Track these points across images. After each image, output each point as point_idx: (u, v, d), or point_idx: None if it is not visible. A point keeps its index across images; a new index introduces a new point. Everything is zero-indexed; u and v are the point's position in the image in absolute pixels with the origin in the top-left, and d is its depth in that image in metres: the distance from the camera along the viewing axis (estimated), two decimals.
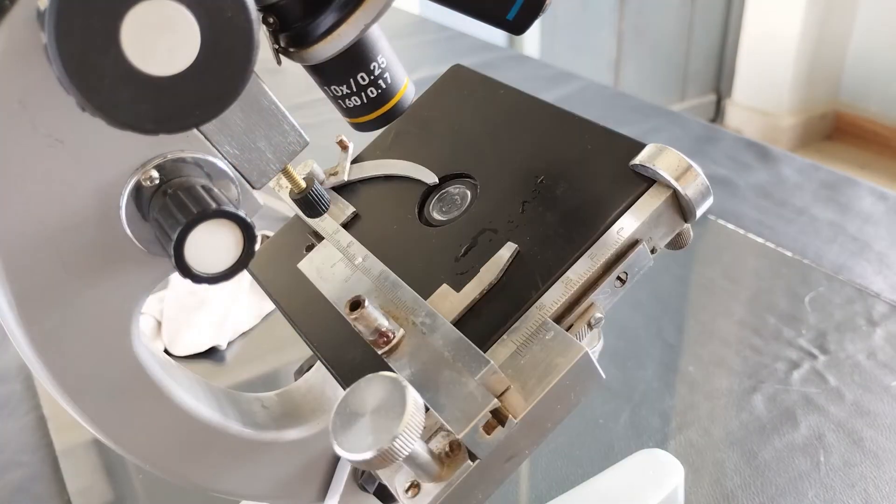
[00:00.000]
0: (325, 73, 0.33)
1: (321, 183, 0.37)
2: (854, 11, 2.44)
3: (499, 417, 0.27)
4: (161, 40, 0.20)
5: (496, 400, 0.26)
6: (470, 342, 0.28)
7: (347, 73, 0.32)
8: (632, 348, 0.59)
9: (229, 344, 0.63)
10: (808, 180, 0.83)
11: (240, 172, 0.27)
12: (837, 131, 2.63)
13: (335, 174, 0.39)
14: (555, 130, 0.35)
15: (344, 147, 0.40)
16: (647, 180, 0.30)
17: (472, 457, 0.27)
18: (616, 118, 1.00)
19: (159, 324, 0.63)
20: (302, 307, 0.35)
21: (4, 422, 0.56)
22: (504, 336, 0.29)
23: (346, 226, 0.36)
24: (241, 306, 0.65)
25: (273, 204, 0.70)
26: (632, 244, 0.29)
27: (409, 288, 0.31)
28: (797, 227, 0.75)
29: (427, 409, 0.27)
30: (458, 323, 0.30)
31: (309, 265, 0.35)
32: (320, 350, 0.33)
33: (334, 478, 0.34)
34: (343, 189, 0.39)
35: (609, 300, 0.30)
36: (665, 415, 0.53)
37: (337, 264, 0.34)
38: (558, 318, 0.29)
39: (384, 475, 0.29)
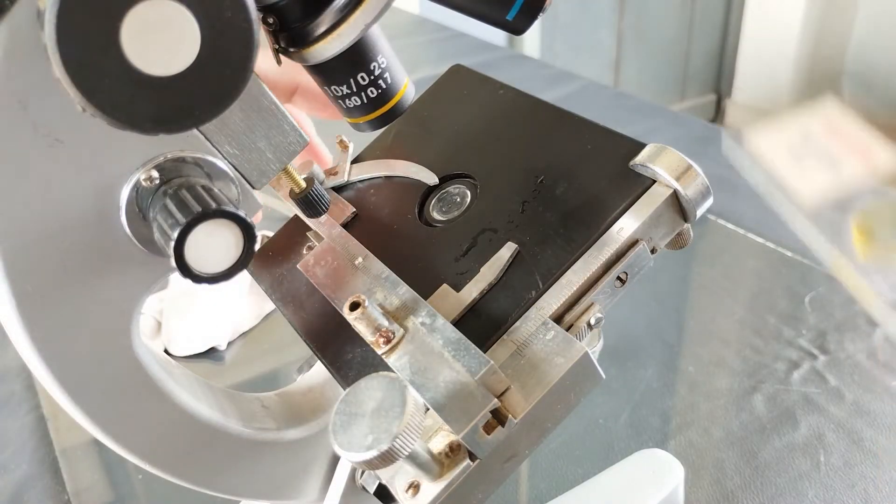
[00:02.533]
0: (325, 73, 0.33)
1: (321, 183, 0.37)
2: (854, 11, 2.44)
3: (499, 417, 0.27)
4: (161, 40, 0.20)
5: (496, 400, 0.26)
6: (470, 342, 0.28)
7: (347, 74, 0.32)
8: (632, 348, 0.59)
9: (229, 344, 0.63)
10: None
11: (240, 172, 0.27)
12: None
13: (335, 174, 0.39)
14: (555, 130, 0.35)
15: (344, 147, 0.40)
16: (648, 180, 0.30)
17: (472, 457, 0.27)
18: (616, 118, 1.00)
19: (159, 324, 0.63)
20: (302, 307, 0.35)
21: (4, 422, 0.56)
22: (504, 336, 0.29)
23: (346, 226, 0.36)
24: (241, 306, 0.65)
25: (273, 204, 0.70)
26: (632, 244, 0.29)
27: (409, 288, 0.31)
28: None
29: (427, 409, 0.27)
30: (458, 323, 0.30)
31: (309, 265, 0.35)
32: (320, 350, 0.33)
33: (334, 478, 0.34)
34: (343, 189, 0.39)
35: (609, 300, 0.30)
36: (665, 415, 0.53)
37: (337, 264, 0.34)
38: (558, 318, 0.29)
39: (384, 475, 0.29)
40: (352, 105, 0.34)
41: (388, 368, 0.29)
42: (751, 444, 0.50)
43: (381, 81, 0.33)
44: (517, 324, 0.29)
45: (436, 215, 0.35)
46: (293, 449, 0.34)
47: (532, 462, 0.50)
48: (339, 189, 0.39)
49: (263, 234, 0.54)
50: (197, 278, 0.24)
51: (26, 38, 0.22)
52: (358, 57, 0.32)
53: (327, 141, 0.42)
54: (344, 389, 0.30)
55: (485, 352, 0.27)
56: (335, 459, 0.35)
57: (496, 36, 1.78)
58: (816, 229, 0.63)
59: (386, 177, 0.38)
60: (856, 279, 0.58)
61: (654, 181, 0.30)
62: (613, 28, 2.45)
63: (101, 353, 0.27)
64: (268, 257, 0.39)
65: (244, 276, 0.57)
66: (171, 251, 0.23)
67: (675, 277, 0.69)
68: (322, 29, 0.29)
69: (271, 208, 0.71)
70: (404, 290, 0.31)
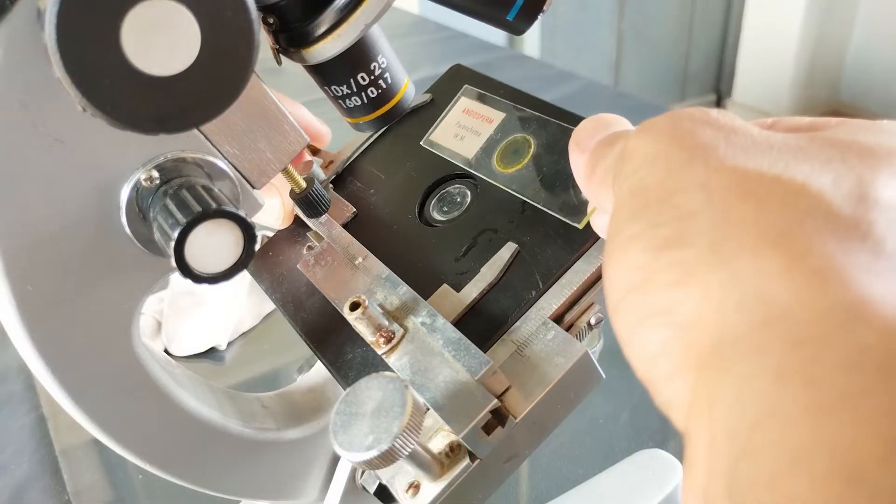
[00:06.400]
0: (326, 74, 0.33)
1: (321, 183, 0.38)
2: (854, 11, 2.44)
3: (499, 417, 0.27)
4: (161, 40, 0.20)
5: (496, 400, 0.26)
6: (470, 342, 0.28)
7: (348, 74, 0.32)
8: None
9: (229, 344, 0.63)
10: None
11: (240, 172, 0.27)
12: None
13: (331, 163, 0.40)
14: (555, 130, 0.35)
15: (315, 152, 0.41)
16: None
17: (472, 457, 0.27)
18: None
19: (159, 324, 0.63)
20: (302, 307, 0.35)
21: (4, 422, 0.56)
22: (504, 336, 0.29)
23: (346, 226, 0.36)
24: (241, 306, 0.65)
25: None
26: None
27: (409, 288, 0.31)
28: None
29: (427, 409, 0.27)
30: (458, 323, 0.30)
31: (309, 265, 0.35)
32: (320, 350, 0.33)
33: (334, 478, 0.34)
34: (343, 189, 0.39)
35: None
36: (665, 415, 0.53)
37: (337, 264, 0.34)
38: (558, 318, 0.29)
39: (384, 475, 0.29)
40: (352, 105, 0.34)
41: (388, 368, 0.29)
42: None
43: (381, 81, 0.33)
44: (517, 324, 0.29)
45: (436, 215, 0.35)
46: (293, 449, 0.34)
47: (532, 462, 0.50)
48: (339, 189, 0.39)
49: (263, 234, 0.54)
50: (197, 278, 0.24)
51: (26, 38, 0.22)
52: (358, 57, 0.32)
53: (328, 140, 0.42)
54: (344, 389, 0.30)
55: (485, 352, 0.27)
56: (335, 459, 0.35)
57: (496, 36, 1.78)
58: None
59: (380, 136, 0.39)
60: None
61: None
62: (613, 28, 2.45)
63: (102, 354, 0.27)
64: (268, 257, 0.39)
65: (244, 276, 0.57)
66: (171, 251, 0.23)
67: None
68: (322, 29, 0.29)
69: None
70: (404, 290, 0.31)
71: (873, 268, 0.13)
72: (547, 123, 0.34)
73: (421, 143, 0.38)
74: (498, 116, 0.36)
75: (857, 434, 0.11)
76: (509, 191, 0.33)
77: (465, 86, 0.38)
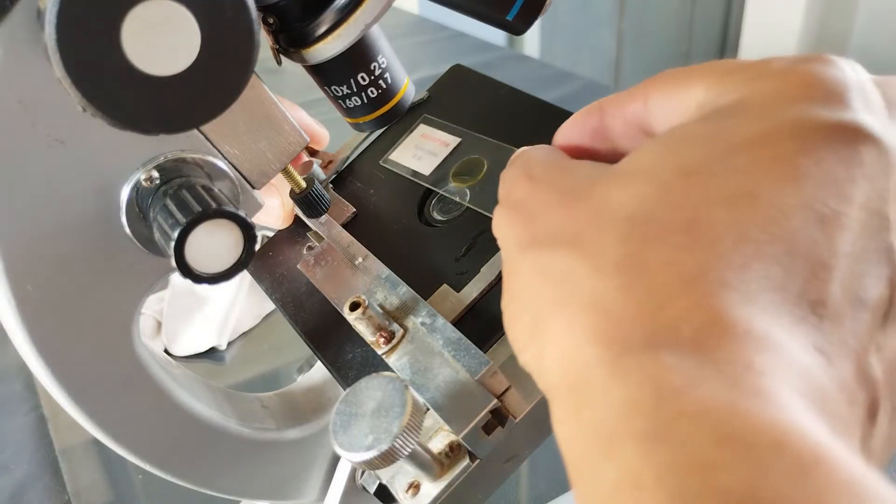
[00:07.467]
0: (326, 74, 0.33)
1: (321, 183, 0.38)
2: (854, 11, 2.44)
3: (499, 417, 0.27)
4: (161, 40, 0.20)
5: (496, 400, 0.26)
6: (470, 342, 0.28)
7: (348, 74, 0.33)
8: None
9: (229, 344, 0.63)
10: None
11: (240, 172, 0.27)
12: None
13: (331, 162, 0.40)
14: (555, 130, 0.35)
15: (312, 153, 0.40)
16: None
17: (472, 457, 0.27)
18: None
19: (159, 324, 0.63)
20: (302, 307, 0.35)
21: (4, 422, 0.56)
22: (504, 336, 0.29)
23: (346, 226, 0.36)
24: (241, 306, 0.65)
25: None
26: None
27: (409, 288, 0.31)
28: None
29: (427, 409, 0.27)
30: (458, 323, 0.30)
31: (309, 265, 0.35)
32: (320, 350, 0.33)
33: (334, 478, 0.34)
34: (343, 189, 0.39)
35: None
36: None
37: (337, 264, 0.34)
38: None
39: (384, 475, 0.29)
40: (352, 105, 0.34)
41: (388, 368, 0.29)
42: None
43: (381, 81, 0.33)
44: None
45: (436, 215, 0.35)
46: (293, 449, 0.34)
47: (532, 462, 0.50)
48: (339, 189, 0.39)
49: (263, 234, 0.54)
50: (197, 278, 0.24)
51: (26, 38, 0.22)
52: (358, 57, 0.32)
53: (328, 141, 0.42)
54: (344, 389, 0.30)
55: (485, 352, 0.28)
56: (335, 459, 0.35)
57: (496, 36, 1.78)
58: None
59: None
60: None
61: None
62: (613, 28, 2.45)
63: (102, 353, 0.27)
64: (268, 257, 0.39)
65: (244, 276, 0.57)
66: (171, 251, 0.23)
67: None
68: (322, 29, 0.29)
69: None
70: (404, 290, 0.31)
71: (599, 327, 0.18)
72: (500, 148, 0.34)
73: (380, 161, 0.38)
74: (454, 140, 0.37)
75: (590, 447, 0.17)
76: (466, 204, 0.33)
77: (424, 115, 0.39)
